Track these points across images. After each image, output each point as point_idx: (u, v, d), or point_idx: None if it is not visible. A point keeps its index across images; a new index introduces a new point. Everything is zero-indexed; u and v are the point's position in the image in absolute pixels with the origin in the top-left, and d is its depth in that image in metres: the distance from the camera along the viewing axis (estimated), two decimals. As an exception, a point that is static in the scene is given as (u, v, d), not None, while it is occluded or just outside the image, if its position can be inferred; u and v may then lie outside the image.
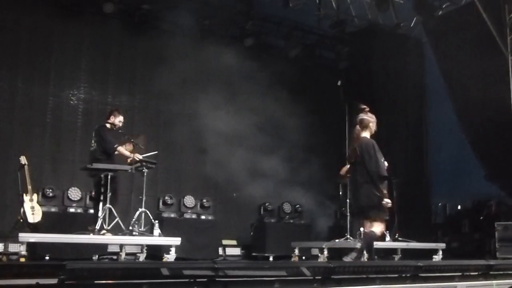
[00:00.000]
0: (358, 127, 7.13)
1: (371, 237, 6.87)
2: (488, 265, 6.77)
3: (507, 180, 12.61)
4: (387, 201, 6.72)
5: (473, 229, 13.35)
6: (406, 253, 10.79)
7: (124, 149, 8.53)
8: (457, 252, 12.68)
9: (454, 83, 14.14)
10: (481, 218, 13.32)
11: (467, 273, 6.41)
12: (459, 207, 14.90)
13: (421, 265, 5.97)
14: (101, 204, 8.11)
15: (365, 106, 7.21)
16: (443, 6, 14.14)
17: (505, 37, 12.76)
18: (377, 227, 6.86)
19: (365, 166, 6.83)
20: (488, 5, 12.80)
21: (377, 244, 9.96)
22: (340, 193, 11.23)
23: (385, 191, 6.73)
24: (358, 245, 7.68)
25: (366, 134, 7.05)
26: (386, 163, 6.95)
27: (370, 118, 7.10)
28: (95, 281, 4.13)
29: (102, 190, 8.13)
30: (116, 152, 8.60)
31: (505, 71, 12.68)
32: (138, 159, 8.45)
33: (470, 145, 13.53)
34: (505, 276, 6.71)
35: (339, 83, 15.28)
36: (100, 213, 8.05)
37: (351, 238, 10.37)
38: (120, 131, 8.65)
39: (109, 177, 8.08)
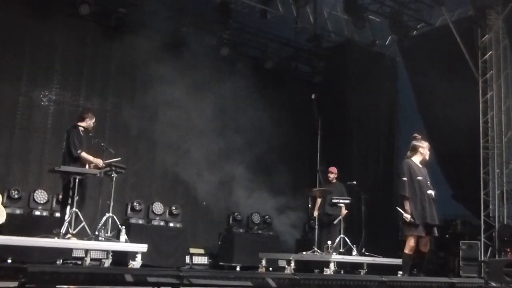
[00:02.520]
0: (408, 152, 7.80)
1: (403, 257, 7.64)
2: (450, 283, 6.86)
3: (473, 200, 12.83)
4: (405, 215, 7.34)
5: (438, 247, 13.50)
6: (372, 268, 10.87)
7: (87, 155, 8.37)
8: (421, 269, 12.80)
9: (425, 103, 14.38)
10: (447, 236, 13.49)
11: (430, 290, 6.49)
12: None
13: (385, 280, 6.01)
14: (67, 208, 7.98)
15: (416, 135, 7.87)
16: (418, 27, 14.41)
17: (477, 60, 13.03)
18: (407, 245, 7.47)
19: None
20: (461, 28, 13.07)
21: (344, 258, 10.13)
22: (309, 205, 11.28)
23: (406, 207, 7.35)
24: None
25: (415, 158, 7.68)
26: (432, 192, 7.55)
27: (420, 144, 7.71)
28: (57, 286, 4.06)
29: (70, 193, 8.00)
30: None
31: (475, 93, 12.94)
32: (101, 166, 8.35)
33: (438, 164, 13.72)
34: (467, 294, 6.82)
35: (313, 96, 15.42)
36: (66, 217, 7.92)
37: (318, 251, 10.41)
38: (90, 134, 8.54)
39: (77, 180, 7.96)
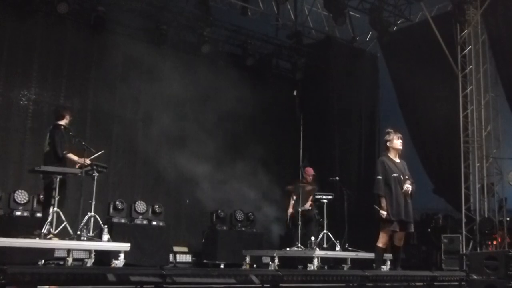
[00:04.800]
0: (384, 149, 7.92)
1: (376, 251, 7.68)
2: (432, 276, 6.94)
3: (454, 194, 12.95)
4: (382, 212, 7.47)
5: (420, 241, 13.63)
6: (356, 262, 10.91)
7: (73, 155, 8.33)
8: (404, 263, 12.90)
9: (405, 98, 14.47)
10: (429, 230, 13.61)
11: (413, 284, 6.55)
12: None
13: (367, 275, 6.06)
14: (50, 208, 7.90)
15: (388, 130, 7.89)
16: (398, 22, 14.48)
17: (456, 55, 13.16)
18: (380, 239, 7.57)
19: None
20: (440, 23, 13.18)
21: (327, 254, 10.18)
22: (293, 202, 11.29)
23: (382, 204, 7.47)
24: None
25: (390, 154, 7.74)
26: (408, 186, 7.52)
27: (386, 138, 7.81)
28: (38, 286, 4.03)
29: (53, 193, 7.92)
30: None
31: (455, 87, 13.06)
32: (87, 164, 8.29)
33: (419, 158, 13.83)
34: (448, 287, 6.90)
35: (294, 93, 15.43)
36: (47, 217, 7.84)
37: (301, 247, 10.43)
38: (70, 133, 8.47)
39: (58, 180, 7.89)
